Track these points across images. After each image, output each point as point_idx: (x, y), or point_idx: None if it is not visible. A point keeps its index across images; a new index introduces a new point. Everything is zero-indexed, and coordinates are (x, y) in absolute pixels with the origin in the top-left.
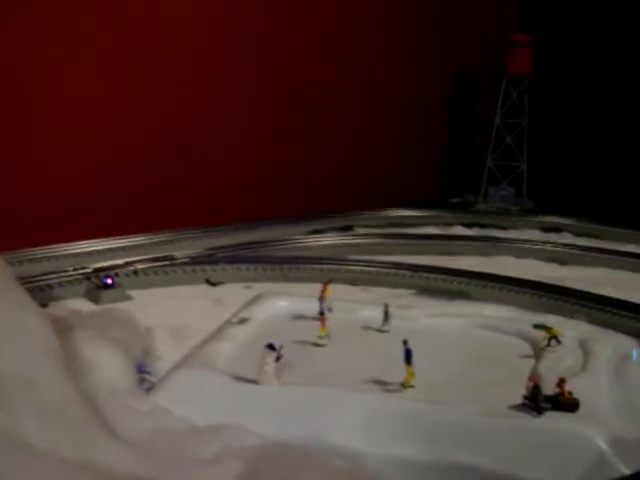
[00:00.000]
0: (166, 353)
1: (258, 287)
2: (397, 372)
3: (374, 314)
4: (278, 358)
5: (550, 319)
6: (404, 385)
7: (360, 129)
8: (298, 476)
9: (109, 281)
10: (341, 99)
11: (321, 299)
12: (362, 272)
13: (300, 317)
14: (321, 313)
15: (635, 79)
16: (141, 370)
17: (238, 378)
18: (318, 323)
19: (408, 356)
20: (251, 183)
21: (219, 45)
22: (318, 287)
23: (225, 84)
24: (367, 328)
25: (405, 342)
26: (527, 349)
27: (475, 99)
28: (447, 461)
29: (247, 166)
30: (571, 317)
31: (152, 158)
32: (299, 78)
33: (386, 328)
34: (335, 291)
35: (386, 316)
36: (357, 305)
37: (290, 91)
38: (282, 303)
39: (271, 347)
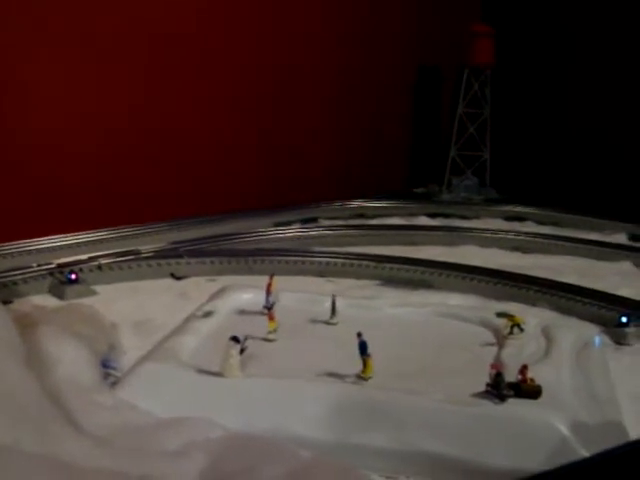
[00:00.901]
0: (131, 348)
1: (223, 280)
2: (356, 365)
3: (324, 306)
4: (242, 350)
5: (513, 307)
6: (364, 378)
7: (324, 121)
8: (263, 467)
9: (73, 277)
10: (306, 91)
11: (268, 293)
12: (327, 264)
13: (264, 309)
14: (268, 308)
15: (595, 69)
16: (106, 365)
17: (202, 371)
18: (276, 316)
19: (363, 348)
20: (215, 176)
21: (178, 39)
22: (283, 279)
23: (190, 80)
24: (315, 321)
25: (359, 334)
26: (490, 337)
27: (438, 90)
28: (412, 449)
29: (211, 160)
30: (534, 305)
31: (114, 153)
32: (263, 76)
33: (334, 321)
34: (301, 282)
35: (333, 308)
36: (306, 296)
37: (254, 83)
38: (246, 296)
39: (235, 339)
